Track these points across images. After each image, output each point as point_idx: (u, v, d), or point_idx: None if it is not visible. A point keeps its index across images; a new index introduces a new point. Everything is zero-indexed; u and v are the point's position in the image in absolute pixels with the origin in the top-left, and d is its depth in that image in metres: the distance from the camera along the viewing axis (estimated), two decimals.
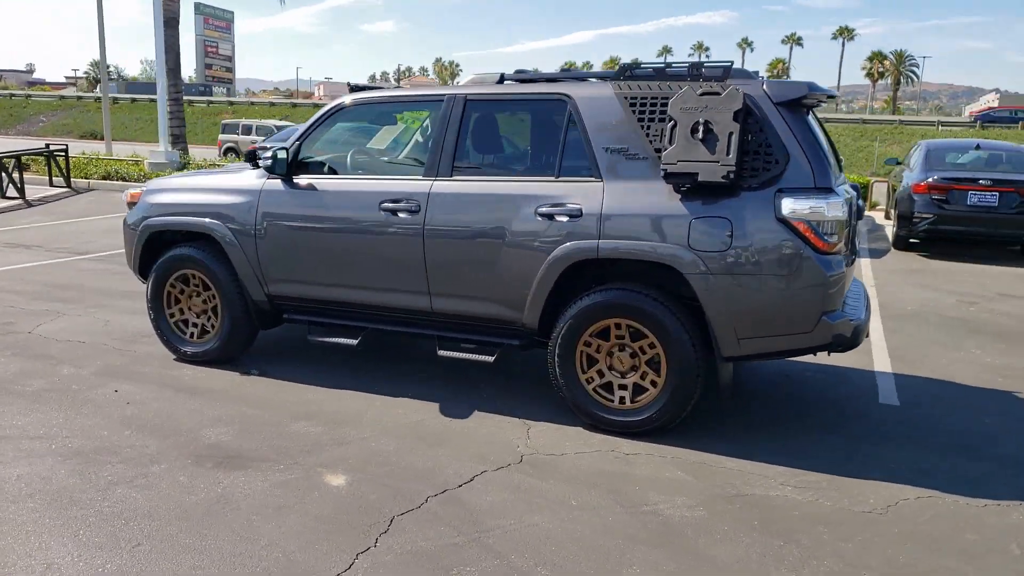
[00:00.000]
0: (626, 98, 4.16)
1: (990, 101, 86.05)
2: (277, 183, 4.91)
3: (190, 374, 5.08)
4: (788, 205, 3.77)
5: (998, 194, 10.00)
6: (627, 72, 4.26)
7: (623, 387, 4.19)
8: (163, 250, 5.31)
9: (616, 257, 4.06)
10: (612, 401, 4.20)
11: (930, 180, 10.25)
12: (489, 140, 4.58)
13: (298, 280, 4.92)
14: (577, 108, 4.24)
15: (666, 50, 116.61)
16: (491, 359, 4.46)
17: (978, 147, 11.57)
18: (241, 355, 5.32)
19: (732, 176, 3.78)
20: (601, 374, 4.23)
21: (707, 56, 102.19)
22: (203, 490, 3.47)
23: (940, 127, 41.56)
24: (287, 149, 4.79)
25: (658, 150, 4.03)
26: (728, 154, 3.78)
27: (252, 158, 5.14)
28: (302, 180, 4.87)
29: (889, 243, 11.34)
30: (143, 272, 5.48)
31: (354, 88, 5.02)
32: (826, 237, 3.79)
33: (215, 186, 5.20)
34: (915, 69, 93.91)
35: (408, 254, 4.54)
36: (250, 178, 5.04)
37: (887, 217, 13.27)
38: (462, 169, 4.49)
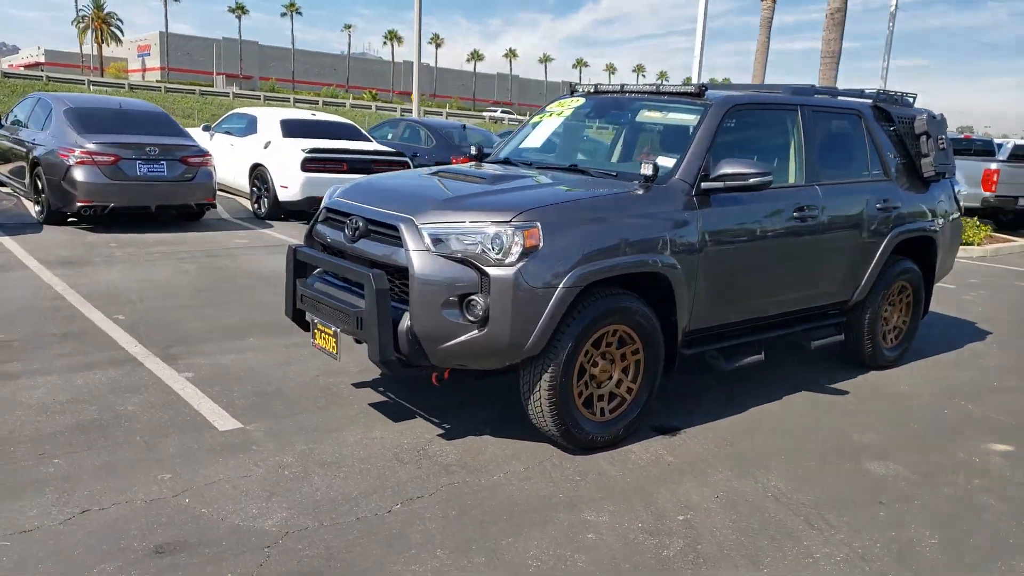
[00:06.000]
0: (883, 114, 5.61)
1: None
2: (706, 199, 4.26)
3: (660, 455, 3.98)
4: (957, 188, 6.13)
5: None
6: (880, 96, 5.65)
7: (891, 329, 5.81)
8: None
9: (911, 236, 5.61)
10: (888, 344, 5.79)
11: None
12: (825, 146, 5.18)
13: (723, 305, 4.46)
14: (867, 121, 5.45)
15: None
16: (842, 337, 5.33)
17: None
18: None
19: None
20: (887, 324, 5.73)
21: None
22: None
23: None
24: (739, 163, 4.24)
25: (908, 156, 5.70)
26: (953, 159, 5.87)
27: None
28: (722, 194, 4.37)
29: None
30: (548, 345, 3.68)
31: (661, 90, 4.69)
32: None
33: (627, 208, 3.96)
34: None
35: (810, 255, 4.89)
36: (668, 196, 4.11)
37: None
38: (820, 173, 5.05)
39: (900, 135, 5.63)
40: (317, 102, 51.32)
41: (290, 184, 10.65)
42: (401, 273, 3.72)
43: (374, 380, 4.79)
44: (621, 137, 5.10)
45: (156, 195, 9.63)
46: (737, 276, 4.43)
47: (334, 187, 4.64)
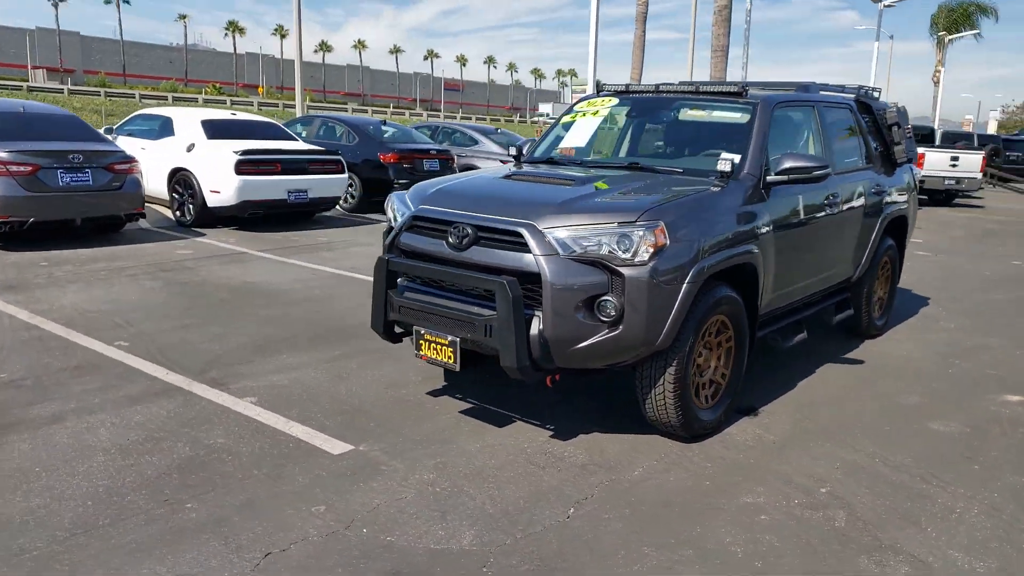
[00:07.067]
0: (864, 107, 6.12)
1: None
2: (768, 190, 4.52)
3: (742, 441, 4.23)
4: (914, 171, 6.78)
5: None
6: (861, 91, 6.14)
7: (877, 301, 6.38)
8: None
9: (895, 217, 6.17)
10: (876, 315, 6.35)
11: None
12: (834, 139, 5.58)
13: (783, 288, 4.75)
14: (855, 114, 5.94)
15: None
16: (851, 311, 5.82)
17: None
18: None
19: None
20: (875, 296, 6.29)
21: None
22: None
23: None
24: (800, 157, 4.52)
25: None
26: (915, 147, 6.50)
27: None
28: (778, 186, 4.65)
29: None
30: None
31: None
32: None
33: (721, 204, 4.16)
34: None
35: (835, 239, 5.30)
36: (743, 190, 4.32)
37: None
38: (835, 163, 5.45)
39: (878, 125, 6.17)
40: (166, 98, 48.13)
41: (222, 189, 10.07)
42: (524, 278, 3.71)
43: (444, 387, 4.73)
44: (668, 135, 5.27)
45: (81, 207, 8.82)
46: (792, 261, 4.74)
47: (400, 195, 4.50)
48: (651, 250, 3.62)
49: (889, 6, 32.96)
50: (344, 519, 3.19)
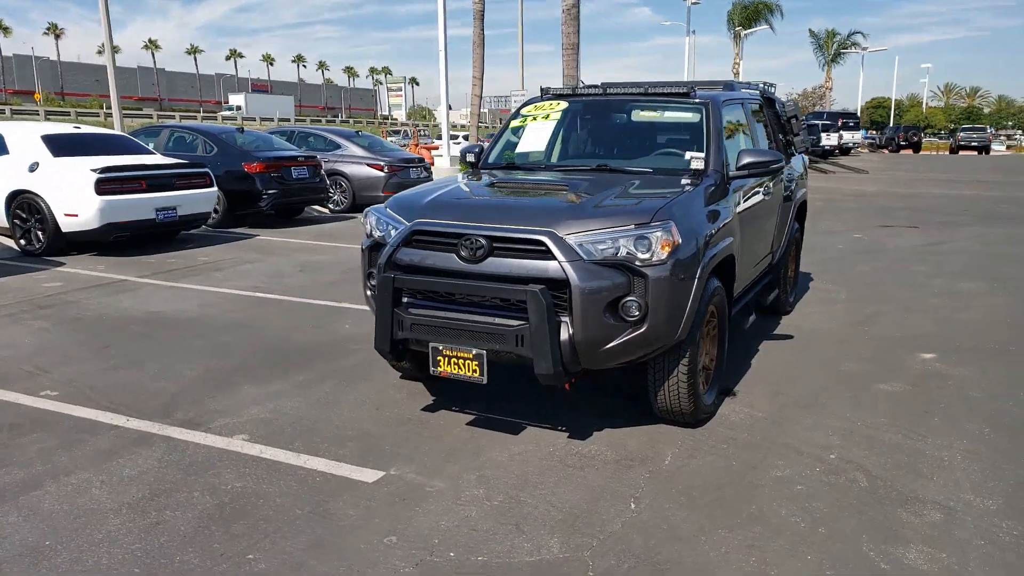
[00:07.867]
0: (768, 102, 6.68)
1: None
2: (729, 184, 4.86)
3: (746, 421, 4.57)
4: (805, 160, 7.49)
5: None
6: (764, 87, 6.69)
7: (788, 280, 7.01)
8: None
9: (802, 202, 6.80)
10: (787, 293, 6.99)
11: None
12: (754, 131, 6.00)
13: (742, 273, 5.11)
14: (764, 108, 6.49)
15: None
16: (777, 291, 6.36)
17: None
18: None
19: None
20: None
21: None
22: None
23: None
24: (757, 152, 4.89)
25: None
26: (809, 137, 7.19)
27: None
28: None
29: None
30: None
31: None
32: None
33: (704, 202, 4.41)
34: None
35: (768, 224, 5.78)
36: (714, 186, 4.59)
37: None
38: None
39: (780, 118, 6.76)
40: None
41: (81, 211, 9.13)
42: (547, 286, 3.75)
43: (436, 402, 4.67)
44: (624, 136, 5.46)
45: None
46: (748, 248, 5.12)
47: (380, 209, 4.37)
48: (667, 249, 3.80)
49: (695, 3, 35.74)
50: (423, 546, 3.11)
